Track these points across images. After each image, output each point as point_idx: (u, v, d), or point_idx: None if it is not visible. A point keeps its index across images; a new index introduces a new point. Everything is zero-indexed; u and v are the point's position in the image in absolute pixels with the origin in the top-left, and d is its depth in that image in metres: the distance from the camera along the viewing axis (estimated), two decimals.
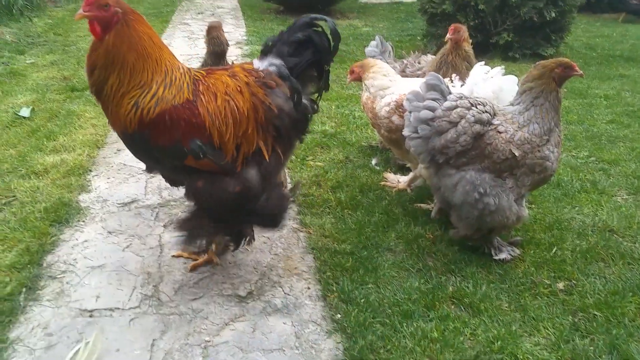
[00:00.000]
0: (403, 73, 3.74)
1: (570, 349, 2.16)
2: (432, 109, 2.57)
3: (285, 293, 2.47)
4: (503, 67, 3.00)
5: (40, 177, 3.40)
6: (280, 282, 2.54)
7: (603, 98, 5.50)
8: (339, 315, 2.32)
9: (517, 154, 2.47)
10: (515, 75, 2.94)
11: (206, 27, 3.47)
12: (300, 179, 3.50)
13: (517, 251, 2.75)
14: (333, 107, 4.95)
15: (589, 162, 3.95)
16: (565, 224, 3.06)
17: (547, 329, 2.27)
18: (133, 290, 2.45)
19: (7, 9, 7.64)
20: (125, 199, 3.25)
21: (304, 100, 2.34)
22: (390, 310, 2.34)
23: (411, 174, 3.38)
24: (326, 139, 4.20)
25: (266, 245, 2.83)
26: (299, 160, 3.81)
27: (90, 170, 3.57)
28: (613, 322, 2.31)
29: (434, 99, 2.58)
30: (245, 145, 2.22)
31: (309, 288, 2.51)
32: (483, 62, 3.10)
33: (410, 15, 9.89)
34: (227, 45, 3.40)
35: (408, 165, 3.51)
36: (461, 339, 2.19)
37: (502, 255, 2.69)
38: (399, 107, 3.02)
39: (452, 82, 3.07)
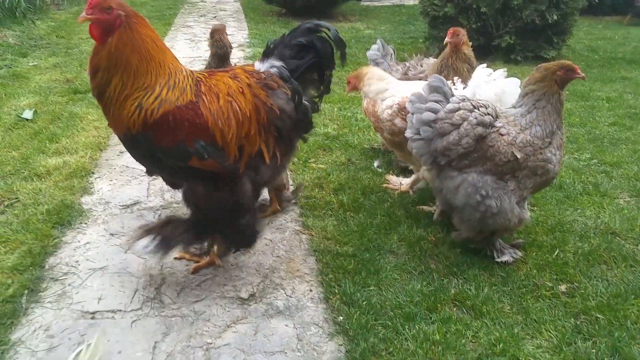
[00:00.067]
0: (405, 76, 3.74)
1: (573, 351, 2.16)
2: (435, 111, 2.57)
3: (287, 295, 2.47)
4: (505, 69, 3.01)
5: (43, 179, 3.41)
6: (282, 285, 2.54)
7: (605, 100, 5.49)
8: (341, 318, 2.31)
9: (519, 156, 2.47)
10: (518, 78, 2.94)
11: (210, 30, 3.49)
12: (303, 181, 3.50)
13: (519, 253, 2.74)
14: (335, 109, 4.96)
15: (591, 164, 3.94)
16: (568, 227, 3.06)
17: (549, 332, 2.26)
18: (135, 292, 2.45)
19: (10, 12, 7.68)
20: (128, 201, 3.25)
21: (305, 102, 2.35)
22: (392, 313, 2.34)
23: (413, 176, 3.38)
24: (328, 141, 4.20)
25: (268, 248, 2.83)
26: (301, 162, 3.81)
27: (93, 173, 3.58)
28: (615, 325, 2.30)
29: (436, 101, 2.58)
30: (248, 147, 2.23)
31: (311, 290, 2.51)
32: (485, 65, 3.10)
33: (412, 18, 9.90)
34: (230, 47, 3.41)
35: (410, 167, 3.51)
36: (463, 341, 2.19)
37: (504, 258, 2.69)
38: (401, 110, 3.02)
39: (454, 84, 3.07)
